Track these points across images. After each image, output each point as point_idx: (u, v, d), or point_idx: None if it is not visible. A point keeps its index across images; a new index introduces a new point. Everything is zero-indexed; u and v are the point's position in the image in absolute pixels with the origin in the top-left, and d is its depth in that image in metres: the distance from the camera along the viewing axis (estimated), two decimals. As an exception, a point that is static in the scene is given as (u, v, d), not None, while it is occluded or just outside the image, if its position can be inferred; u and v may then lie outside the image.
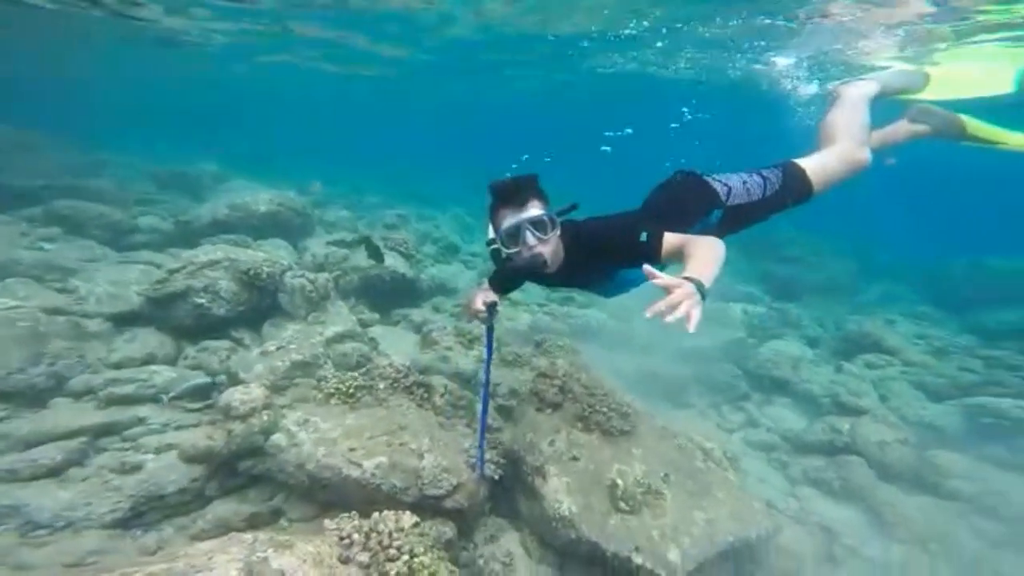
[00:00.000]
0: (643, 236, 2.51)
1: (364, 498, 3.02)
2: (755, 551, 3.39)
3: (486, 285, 2.87)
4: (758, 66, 8.60)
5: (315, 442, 3.14)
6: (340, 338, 5.28)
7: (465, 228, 11.51)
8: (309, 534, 2.20)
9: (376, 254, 6.69)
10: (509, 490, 3.40)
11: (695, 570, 2.97)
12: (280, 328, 5.35)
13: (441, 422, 3.48)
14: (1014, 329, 8.62)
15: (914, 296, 10.48)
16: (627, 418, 3.45)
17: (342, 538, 2.01)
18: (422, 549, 2.05)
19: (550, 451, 3.22)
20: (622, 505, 3.02)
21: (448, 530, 2.98)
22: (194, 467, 3.21)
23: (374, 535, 2.01)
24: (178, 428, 3.63)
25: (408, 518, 2.17)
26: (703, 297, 1.92)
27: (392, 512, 2.20)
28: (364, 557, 1.93)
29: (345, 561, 1.92)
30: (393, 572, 1.91)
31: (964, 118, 3.60)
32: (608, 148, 9.01)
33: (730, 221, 3.02)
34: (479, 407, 3.14)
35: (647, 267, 1.96)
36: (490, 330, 2.90)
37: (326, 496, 3.08)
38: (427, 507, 3.00)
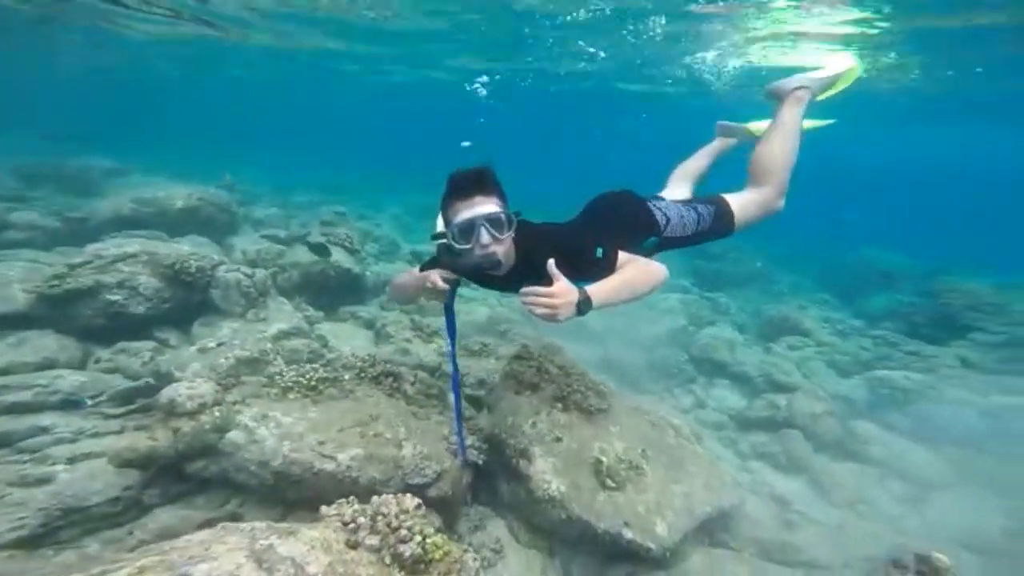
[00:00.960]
0: (599, 252, 2.51)
1: (340, 493, 2.75)
2: (726, 520, 3.51)
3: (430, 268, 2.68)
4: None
5: (279, 437, 2.86)
6: (286, 335, 4.92)
7: (405, 228, 11.23)
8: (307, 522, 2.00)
9: (321, 249, 6.34)
10: (489, 477, 3.29)
11: (680, 541, 3.03)
12: (214, 327, 4.91)
13: (414, 411, 3.30)
14: (886, 311, 9.89)
15: (815, 285, 11.69)
16: (603, 396, 3.46)
17: (346, 523, 1.82)
18: (432, 530, 1.91)
19: (533, 432, 3.15)
20: (608, 482, 3.01)
21: (435, 519, 2.82)
22: (126, 474, 2.81)
23: (380, 518, 1.84)
24: (95, 435, 3.19)
25: (410, 500, 2.02)
26: (580, 312, 2.18)
27: (393, 495, 2.03)
28: (374, 540, 1.76)
29: (354, 546, 1.74)
30: (408, 553, 1.76)
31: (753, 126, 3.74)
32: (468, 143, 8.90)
33: (658, 248, 3.09)
34: (451, 395, 3.02)
35: (551, 265, 2.18)
36: (449, 310, 2.75)
37: (296, 494, 2.81)
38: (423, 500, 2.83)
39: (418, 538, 1.81)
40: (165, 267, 4.79)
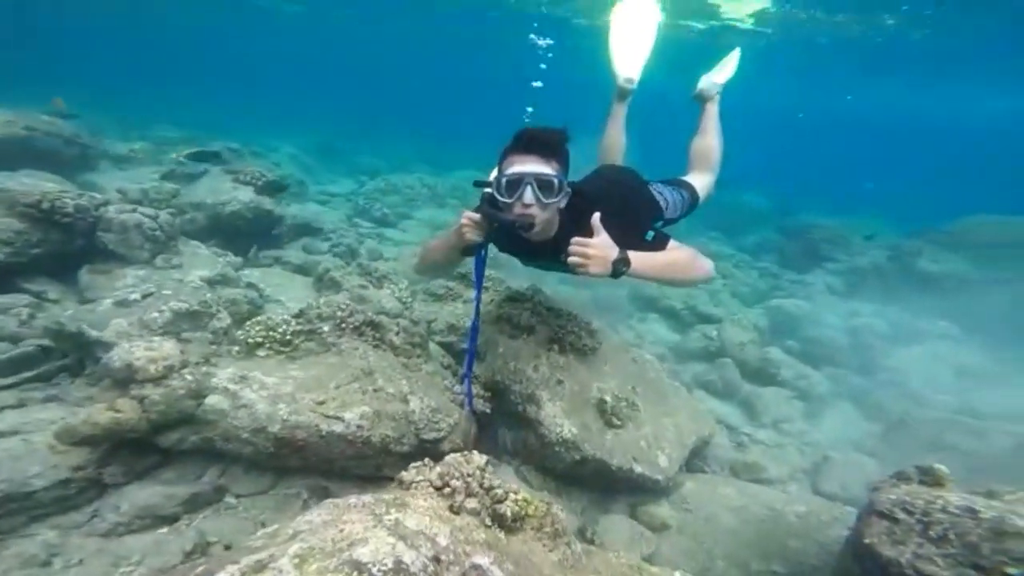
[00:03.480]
0: (650, 235, 2.59)
1: (352, 455, 2.56)
2: (702, 448, 3.81)
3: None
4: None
5: (269, 400, 2.52)
6: (211, 283, 4.30)
7: (306, 168, 10.22)
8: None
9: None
10: (487, 425, 3.22)
11: (678, 470, 3.24)
12: (110, 276, 4.17)
13: (404, 362, 3.09)
14: (761, 246, 11.29)
15: (704, 226, 12.65)
16: (594, 335, 3.49)
17: (438, 488, 1.67)
18: (515, 486, 1.82)
19: (537, 377, 3.10)
20: (614, 420, 3.09)
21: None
22: (74, 453, 2.34)
23: (471, 479, 1.71)
24: (18, 407, 2.64)
25: (479, 458, 1.89)
26: (615, 273, 2.25)
27: (459, 454, 1.89)
28: (473, 503, 1.64)
29: (457, 511, 1.61)
30: (508, 513, 1.66)
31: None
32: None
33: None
34: (467, 344, 2.93)
35: (595, 218, 2.26)
36: (480, 254, 2.68)
37: (300, 460, 2.54)
38: (424, 453, 2.66)
39: (513, 495, 1.71)
40: (27, 206, 3.95)
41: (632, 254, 2.29)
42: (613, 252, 2.24)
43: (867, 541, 2.01)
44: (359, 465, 2.64)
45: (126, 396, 2.40)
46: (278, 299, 4.53)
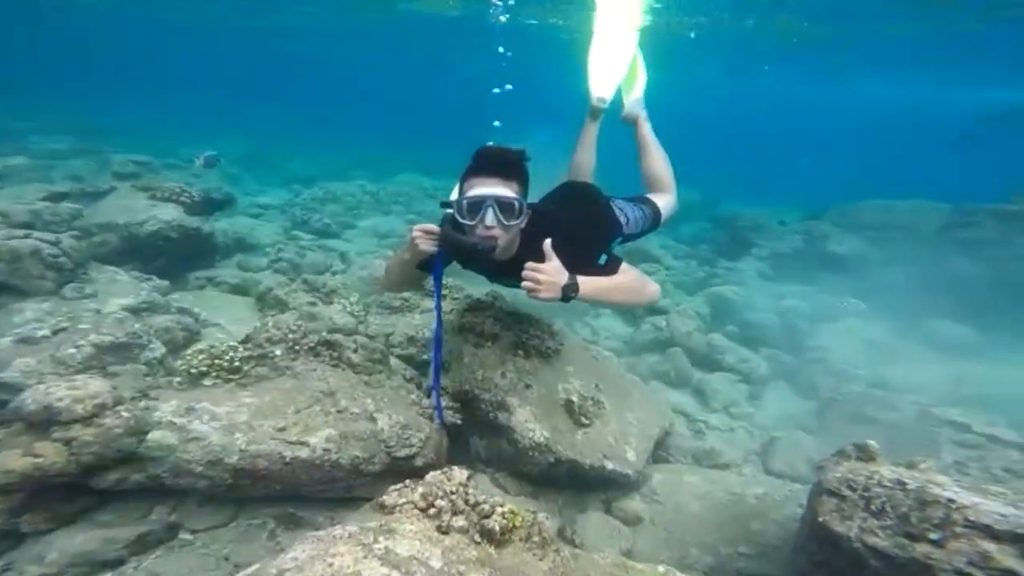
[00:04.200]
0: (602, 258, 2.68)
1: (320, 479, 2.44)
2: (664, 438, 3.91)
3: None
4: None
5: (223, 430, 2.37)
6: (136, 312, 4.01)
7: (232, 179, 9.70)
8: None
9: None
10: (457, 435, 3.17)
11: (645, 463, 3.32)
12: (7, 311, 3.81)
13: (365, 380, 2.99)
14: (696, 236, 11.77)
15: None
16: (555, 337, 3.51)
17: (424, 509, 1.61)
18: (497, 498, 1.80)
19: (505, 383, 3.08)
20: (582, 420, 3.12)
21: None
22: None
23: (455, 497, 1.68)
24: None
25: (460, 473, 1.86)
26: (565, 298, 2.33)
27: (440, 472, 1.85)
28: (460, 521, 1.60)
29: (446, 531, 1.56)
30: (496, 527, 1.64)
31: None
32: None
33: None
34: (431, 354, 2.86)
35: (547, 244, 2.30)
36: (437, 264, 2.61)
37: (262, 489, 2.39)
38: (397, 471, 2.60)
39: (499, 509, 1.69)
40: None
41: (581, 279, 2.37)
42: (563, 277, 2.31)
43: (821, 519, 2.15)
44: (328, 488, 2.53)
45: (45, 439, 2.17)
46: (216, 323, 4.28)
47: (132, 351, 3.26)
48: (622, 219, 3.33)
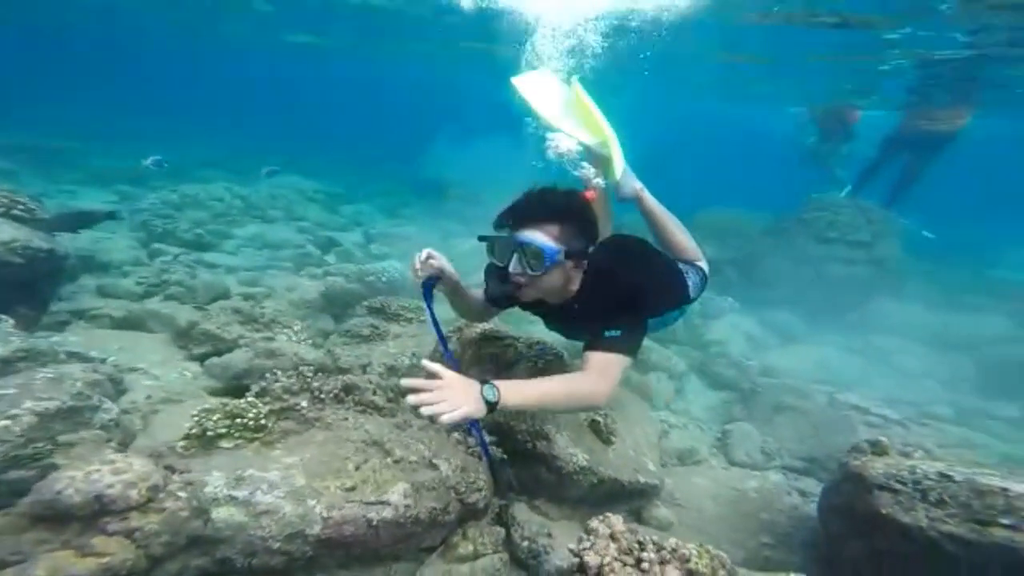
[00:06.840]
0: (617, 332, 2.33)
1: (400, 537, 2.38)
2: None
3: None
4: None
5: (292, 498, 2.20)
6: (8, 363, 3.33)
7: (8, 175, 8.22)
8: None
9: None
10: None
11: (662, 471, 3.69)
12: None
13: (394, 423, 2.93)
14: None
15: None
16: (562, 359, 3.75)
17: (636, 565, 1.75)
18: (676, 540, 1.99)
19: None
20: (610, 439, 3.39)
21: (500, 529, 2.73)
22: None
23: (653, 547, 1.84)
24: None
25: (617, 520, 2.01)
26: (490, 407, 1.86)
27: (600, 519, 2.00)
28: (674, 572, 1.78)
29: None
30: (703, 569, 1.84)
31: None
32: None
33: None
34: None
35: (425, 363, 1.88)
36: (429, 293, 2.64)
37: (342, 559, 2.26)
38: (468, 516, 2.63)
39: (696, 552, 1.88)
40: None
41: (507, 386, 1.95)
42: (471, 387, 1.87)
43: (885, 512, 2.54)
44: (405, 548, 2.47)
45: (94, 534, 1.84)
46: (135, 367, 3.72)
47: (83, 415, 2.76)
48: (688, 283, 3.23)
